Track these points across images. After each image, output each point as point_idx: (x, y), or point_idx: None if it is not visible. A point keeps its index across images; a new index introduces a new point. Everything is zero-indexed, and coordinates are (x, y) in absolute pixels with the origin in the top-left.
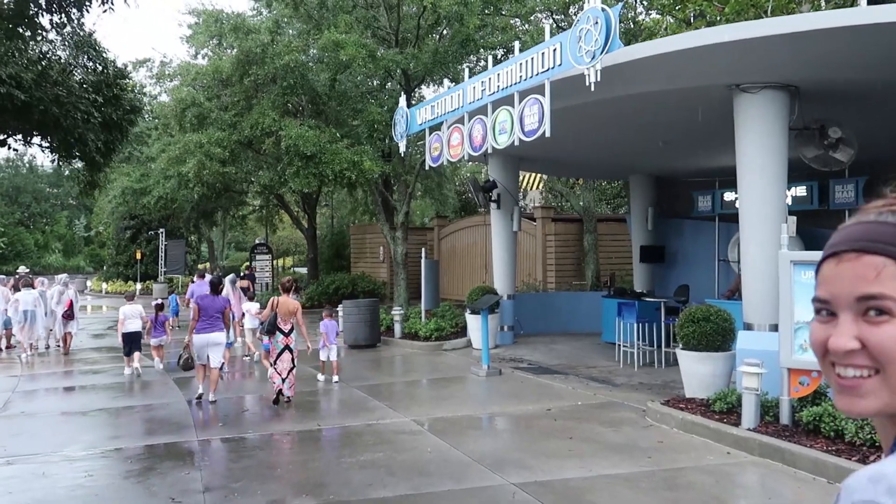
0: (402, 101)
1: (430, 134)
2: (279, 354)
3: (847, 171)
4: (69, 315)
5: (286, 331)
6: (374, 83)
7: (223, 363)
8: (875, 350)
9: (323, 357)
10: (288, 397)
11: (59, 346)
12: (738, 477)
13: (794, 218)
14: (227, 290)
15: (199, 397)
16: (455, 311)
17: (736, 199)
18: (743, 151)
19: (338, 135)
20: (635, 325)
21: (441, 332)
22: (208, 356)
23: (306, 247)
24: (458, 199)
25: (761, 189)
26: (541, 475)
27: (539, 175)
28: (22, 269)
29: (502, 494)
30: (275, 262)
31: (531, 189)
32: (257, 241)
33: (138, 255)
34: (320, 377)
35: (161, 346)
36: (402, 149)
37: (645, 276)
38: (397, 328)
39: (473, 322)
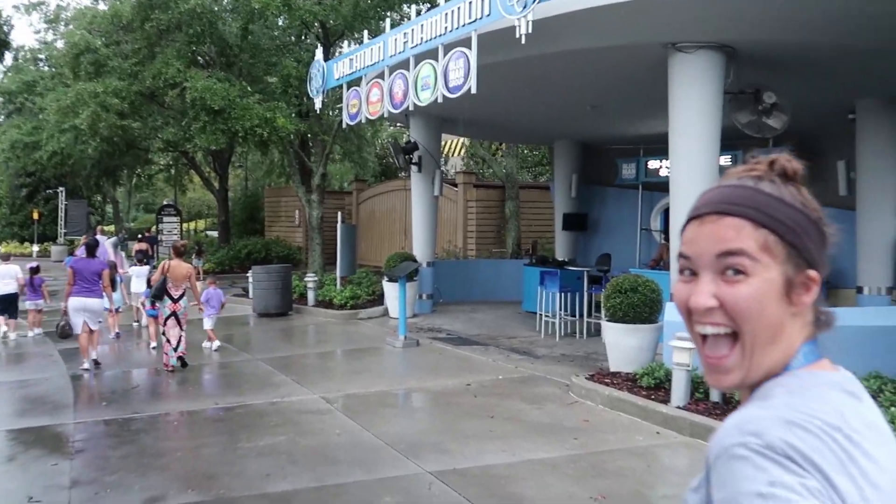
0: (319, 53)
1: (348, 90)
2: (165, 321)
3: (772, 141)
4: None
5: (175, 297)
6: (291, 38)
7: (117, 332)
8: (730, 308)
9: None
10: (180, 358)
11: None
12: (669, 460)
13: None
14: (108, 252)
15: (86, 370)
16: (372, 278)
17: (660, 167)
18: (676, 115)
19: (249, 89)
20: (558, 294)
21: (357, 300)
22: (86, 323)
23: (218, 209)
24: (379, 163)
25: (695, 155)
26: (460, 461)
27: (460, 141)
28: None
29: (417, 486)
30: (185, 224)
31: (452, 155)
32: (165, 203)
33: (35, 215)
34: (206, 344)
35: (39, 311)
36: (318, 105)
37: (567, 244)
38: (311, 296)
39: (391, 290)
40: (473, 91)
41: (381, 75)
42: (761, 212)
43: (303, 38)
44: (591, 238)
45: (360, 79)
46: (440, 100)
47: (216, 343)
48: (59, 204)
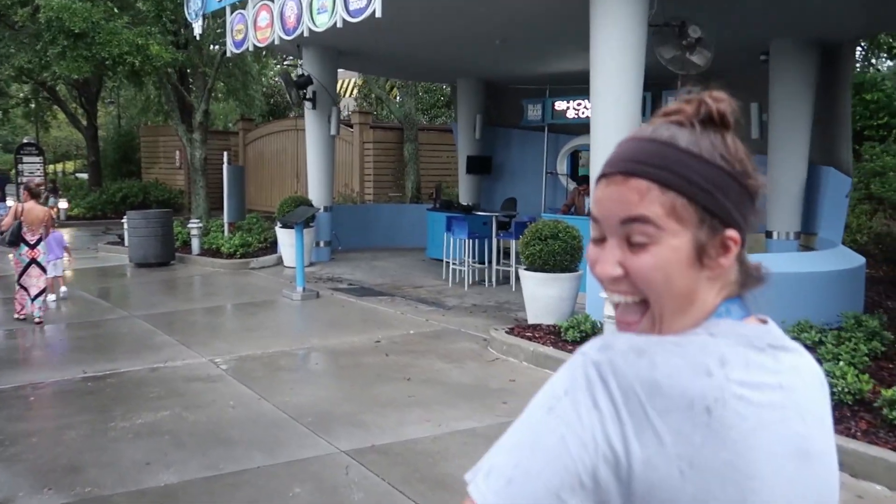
0: None
1: (232, 13)
2: (24, 269)
3: (679, 81)
4: None
5: (32, 242)
6: None
7: None
8: (634, 277)
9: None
10: (39, 318)
11: None
12: None
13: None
14: None
15: None
16: (263, 223)
17: (567, 108)
18: (598, 50)
19: (116, 10)
20: (466, 241)
21: (247, 248)
22: None
23: (87, 149)
24: (266, 102)
25: (617, 93)
26: (379, 436)
27: (352, 81)
28: None
29: (332, 470)
30: (51, 166)
31: (345, 96)
32: (24, 141)
33: None
34: (50, 297)
35: None
36: (198, 31)
37: (471, 188)
38: (195, 243)
39: (285, 237)
40: (378, 14)
41: None
42: (670, 171)
43: None
44: (495, 182)
45: (246, 1)
46: (339, 24)
47: (63, 289)
48: None
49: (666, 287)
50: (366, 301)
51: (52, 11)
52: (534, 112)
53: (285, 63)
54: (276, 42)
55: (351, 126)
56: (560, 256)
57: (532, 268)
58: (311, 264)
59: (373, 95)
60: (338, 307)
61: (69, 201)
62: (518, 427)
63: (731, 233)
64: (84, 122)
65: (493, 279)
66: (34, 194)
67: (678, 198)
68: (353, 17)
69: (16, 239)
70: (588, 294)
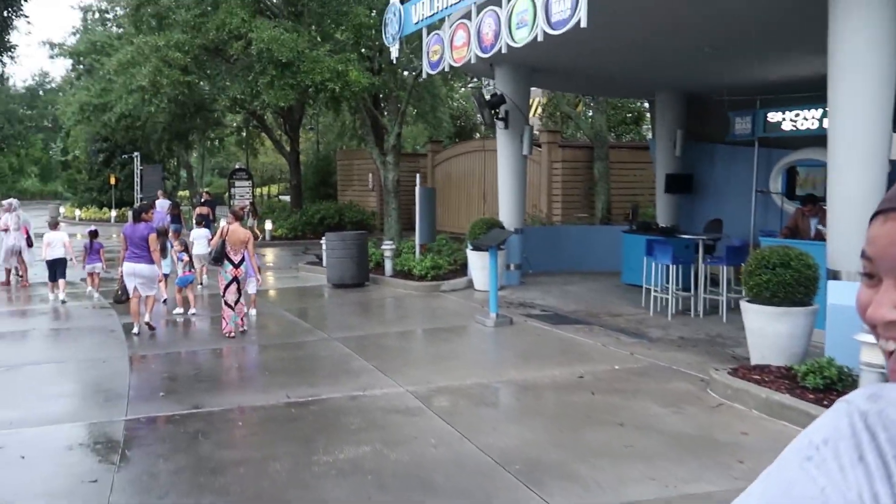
0: None
1: (429, 35)
2: (227, 287)
3: None
4: (29, 243)
5: (236, 262)
6: None
7: (164, 298)
8: None
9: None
10: (243, 329)
11: (20, 276)
12: None
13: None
14: (164, 217)
15: (138, 333)
16: (452, 245)
17: (783, 120)
18: (840, 45)
19: (319, 39)
20: (671, 266)
21: (438, 270)
22: (136, 288)
23: (290, 173)
24: (454, 123)
25: (865, 98)
26: (597, 494)
27: (537, 100)
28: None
29: None
30: (258, 189)
31: (532, 115)
32: (236, 167)
33: (112, 180)
34: (252, 312)
35: (95, 274)
36: (395, 55)
37: (669, 208)
38: (388, 265)
39: (476, 260)
40: (583, 24)
41: (467, 15)
42: None
43: None
44: (696, 202)
45: (442, 21)
46: (540, 37)
47: (252, 311)
48: (134, 169)
49: None
50: (562, 330)
51: (263, 43)
52: (742, 125)
53: (470, 85)
54: (472, 61)
55: (539, 145)
56: (792, 288)
57: (758, 300)
58: (502, 288)
59: (558, 113)
60: (533, 335)
61: (273, 222)
62: (768, 475)
63: None
64: (287, 148)
65: (700, 309)
66: (238, 217)
67: None
68: (554, 29)
69: (220, 257)
70: (829, 333)
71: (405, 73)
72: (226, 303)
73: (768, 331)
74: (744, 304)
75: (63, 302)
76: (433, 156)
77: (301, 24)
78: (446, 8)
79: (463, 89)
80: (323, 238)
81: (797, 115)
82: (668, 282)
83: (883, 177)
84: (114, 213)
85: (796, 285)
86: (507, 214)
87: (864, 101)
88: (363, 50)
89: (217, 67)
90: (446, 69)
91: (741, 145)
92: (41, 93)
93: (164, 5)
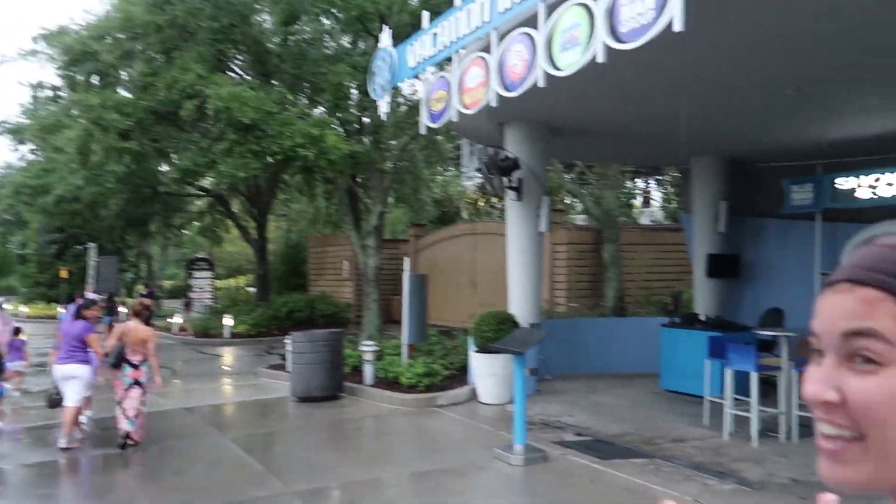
0: (386, 38)
1: (434, 76)
2: (126, 390)
3: None
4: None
5: (136, 363)
6: (345, 41)
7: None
8: (853, 407)
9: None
10: (136, 441)
11: None
12: None
13: None
14: None
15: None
16: (446, 344)
17: (857, 186)
18: None
19: (290, 97)
20: (755, 374)
21: (433, 378)
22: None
23: (256, 262)
24: (437, 207)
25: None
26: None
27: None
28: None
29: None
30: (226, 280)
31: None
32: (196, 256)
33: (63, 274)
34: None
35: (19, 373)
36: (384, 110)
37: (711, 295)
38: (368, 371)
39: (484, 366)
40: (678, 27)
41: (485, 48)
42: None
43: (358, 42)
44: (742, 287)
45: (448, 59)
46: (600, 58)
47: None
48: (86, 261)
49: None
50: (616, 469)
51: (222, 101)
52: (801, 195)
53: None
54: (493, 103)
55: None
56: None
57: None
58: (513, 400)
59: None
60: (581, 481)
61: (234, 317)
62: None
63: None
64: (255, 235)
65: (794, 430)
66: (137, 314)
67: None
68: (624, 41)
69: (118, 360)
70: None
71: (392, 142)
72: (121, 408)
73: None
74: None
75: None
76: (416, 241)
77: (269, 87)
78: (455, 42)
79: (449, 171)
80: (287, 336)
81: (877, 179)
82: (753, 396)
83: None
84: (61, 308)
85: None
86: (520, 305)
87: None
88: (339, 115)
89: (166, 134)
90: (453, 118)
91: (798, 219)
92: None
93: (105, 62)
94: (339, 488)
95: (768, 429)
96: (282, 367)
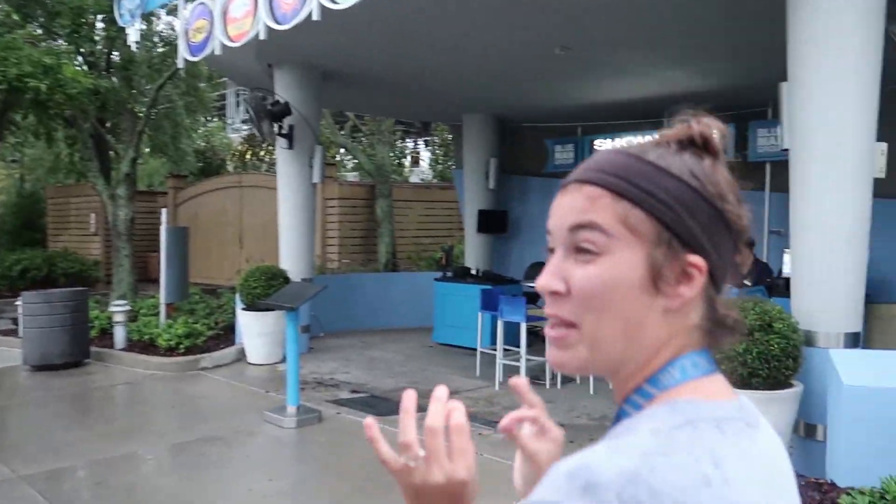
0: None
1: (193, 5)
2: None
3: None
4: None
5: None
6: None
7: None
8: (574, 295)
9: None
10: None
11: None
12: None
13: (885, 146)
14: None
15: None
16: (210, 302)
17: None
18: (814, 29)
19: (16, 17)
20: (524, 325)
21: (195, 339)
22: None
23: None
24: (199, 158)
25: (850, 103)
26: None
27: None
28: None
29: None
30: None
31: None
32: None
33: None
34: None
35: None
36: (133, 39)
37: (480, 250)
38: (119, 333)
39: (252, 324)
40: None
41: None
42: (628, 181)
43: None
44: (509, 242)
45: None
46: None
47: None
48: None
49: (609, 306)
50: (394, 425)
51: None
52: (563, 155)
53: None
54: (261, 36)
55: None
56: (777, 363)
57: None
58: (284, 359)
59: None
60: (359, 441)
61: None
62: None
63: (695, 258)
64: None
65: (557, 376)
66: None
67: (633, 209)
68: None
69: None
70: (829, 426)
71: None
72: None
73: None
74: None
75: None
76: (176, 193)
77: None
78: None
79: (214, 121)
80: (19, 298)
81: (629, 142)
82: (521, 345)
83: (868, 199)
84: None
85: (783, 359)
86: (291, 260)
87: (850, 109)
88: (81, 48)
89: None
90: (216, 51)
91: (560, 178)
92: None
93: None
94: (84, 468)
95: (535, 377)
96: (14, 333)
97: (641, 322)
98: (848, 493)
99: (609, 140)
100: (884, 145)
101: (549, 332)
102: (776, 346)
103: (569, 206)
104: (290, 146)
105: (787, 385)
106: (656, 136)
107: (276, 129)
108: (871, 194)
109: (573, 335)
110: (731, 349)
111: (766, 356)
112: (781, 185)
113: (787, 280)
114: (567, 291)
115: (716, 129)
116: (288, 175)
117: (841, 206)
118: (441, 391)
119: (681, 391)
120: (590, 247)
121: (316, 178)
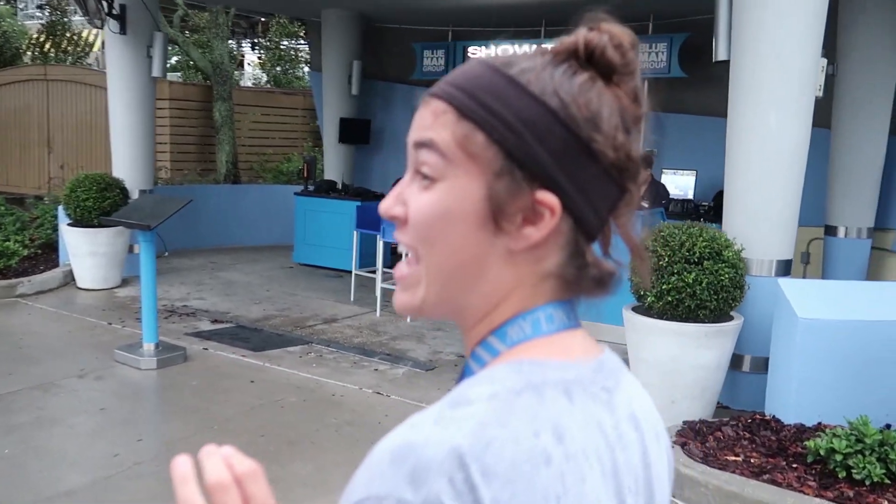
0: None
1: None
2: None
3: (652, 26)
4: None
5: None
6: None
7: None
8: (411, 224)
9: None
10: None
11: None
12: None
13: (825, 62)
14: None
15: None
16: (21, 215)
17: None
18: None
19: None
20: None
21: (8, 259)
22: None
23: None
24: None
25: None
26: None
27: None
28: None
29: None
30: None
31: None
32: None
33: None
34: None
35: None
36: None
37: (341, 162)
38: None
39: (82, 243)
40: None
41: None
42: (474, 98)
43: None
44: (371, 155)
45: None
46: None
47: None
48: None
49: (441, 238)
50: (275, 362)
51: None
52: (433, 61)
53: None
54: None
55: None
56: (719, 296)
57: (663, 314)
58: (124, 282)
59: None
60: (240, 383)
61: None
62: None
63: (545, 196)
64: None
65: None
66: None
67: (475, 131)
68: None
69: None
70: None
71: None
72: None
73: (683, 362)
74: (641, 321)
75: None
76: None
77: None
78: None
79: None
80: None
81: (506, 51)
82: (390, 266)
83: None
84: None
85: (726, 290)
86: (127, 168)
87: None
88: None
89: None
90: None
91: (428, 86)
92: None
93: None
94: None
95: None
96: None
97: (480, 263)
98: (819, 435)
99: (484, 47)
100: (824, 61)
101: (396, 270)
102: (726, 275)
103: (419, 121)
104: (123, 30)
105: (729, 318)
106: (547, 46)
107: (104, 6)
108: (812, 115)
109: (414, 273)
110: (679, 280)
111: (715, 287)
112: (658, 103)
113: (686, 203)
114: (405, 218)
115: (619, 40)
116: (121, 67)
117: (784, 125)
118: (207, 448)
119: (530, 348)
120: (427, 171)
121: (156, 72)
